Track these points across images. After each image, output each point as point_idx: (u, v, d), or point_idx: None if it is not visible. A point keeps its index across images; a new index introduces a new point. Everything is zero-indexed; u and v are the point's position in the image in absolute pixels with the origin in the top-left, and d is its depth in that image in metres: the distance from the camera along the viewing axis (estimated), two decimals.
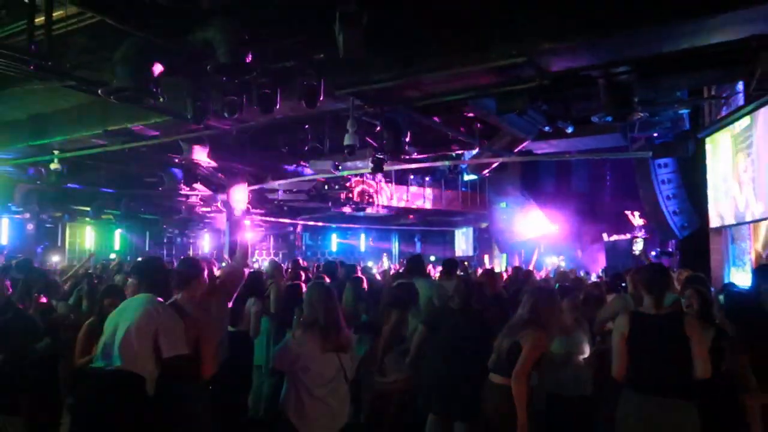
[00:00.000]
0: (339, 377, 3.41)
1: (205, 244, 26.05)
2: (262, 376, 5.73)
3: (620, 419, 3.57)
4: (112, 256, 17.82)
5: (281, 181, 13.60)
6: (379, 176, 21.14)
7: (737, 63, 7.26)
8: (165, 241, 25.67)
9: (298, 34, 5.48)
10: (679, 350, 3.41)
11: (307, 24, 5.38)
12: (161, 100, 5.92)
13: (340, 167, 8.95)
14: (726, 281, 8.78)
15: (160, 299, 3.30)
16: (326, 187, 16.93)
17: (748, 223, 9.22)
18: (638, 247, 14.03)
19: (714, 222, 10.05)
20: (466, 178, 21.95)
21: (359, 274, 6.53)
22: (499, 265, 19.33)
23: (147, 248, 23.41)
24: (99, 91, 5.85)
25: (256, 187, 13.34)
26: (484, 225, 23.91)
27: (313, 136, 9.08)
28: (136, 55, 5.47)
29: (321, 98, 5.82)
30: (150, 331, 3.12)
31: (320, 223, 24.85)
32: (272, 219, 20.93)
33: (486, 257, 20.42)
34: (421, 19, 5.56)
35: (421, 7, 5.10)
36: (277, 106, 5.88)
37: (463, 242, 27.03)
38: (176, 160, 10.47)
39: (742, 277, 9.02)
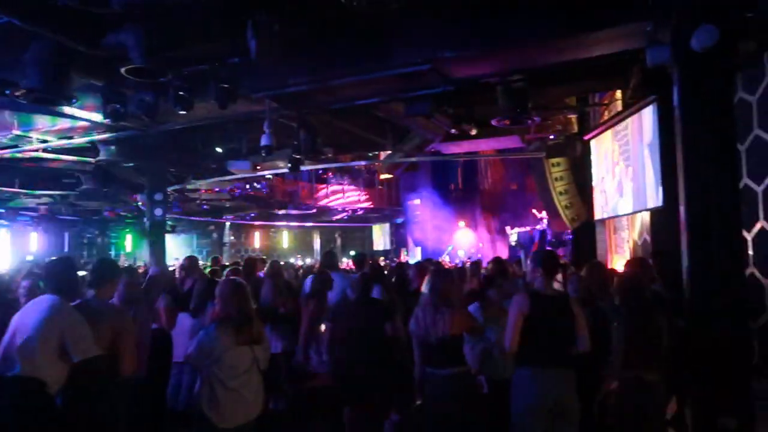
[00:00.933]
0: (252, 369, 3.38)
1: (127, 244, 24.86)
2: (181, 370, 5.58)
3: (520, 394, 3.64)
4: (29, 258, 16.68)
5: (202, 181, 13.21)
6: (301, 176, 21.02)
7: (615, 74, 7.80)
8: (85, 242, 24.32)
9: (213, 38, 5.37)
10: (568, 326, 3.65)
11: (222, 30, 5.27)
12: (74, 102, 5.63)
13: (258, 167, 8.81)
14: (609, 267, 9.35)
15: (67, 301, 3.15)
16: (248, 186, 16.61)
17: (623, 216, 9.91)
18: (512, 239, 14.67)
19: (598, 215, 10.71)
20: (382, 176, 22.21)
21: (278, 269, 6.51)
22: (414, 258, 19.67)
23: (66, 250, 22.08)
24: (8, 93, 5.49)
25: (177, 187, 12.90)
26: (399, 221, 24.29)
27: (232, 137, 8.90)
28: (47, 57, 5.16)
29: (236, 101, 5.71)
30: (54, 335, 2.97)
31: (244, 222, 24.38)
32: (195, 218, 20.26)
33: (402, 251, 20.78)
34: (330, 28, 5.59)
35: (330, 17, 5.11)
36: (193, 108, 5.73)
37: (380, 238, 27.32)
38: (92, 161, 9.95)
39: (621, 263, 9.66)
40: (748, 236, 6.70)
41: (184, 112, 5.94)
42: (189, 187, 14.07)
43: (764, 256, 6.48)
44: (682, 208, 4.21)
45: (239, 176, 12.16)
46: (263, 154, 7.03)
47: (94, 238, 24.58)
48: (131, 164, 10.05)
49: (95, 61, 5.39)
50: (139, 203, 13.58)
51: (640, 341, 3.83)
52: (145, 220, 11.93)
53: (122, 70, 5.05)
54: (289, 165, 8.04)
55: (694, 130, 4.14)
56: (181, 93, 5.50)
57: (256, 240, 28.10)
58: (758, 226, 6.57)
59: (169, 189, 12.35)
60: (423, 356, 3.96)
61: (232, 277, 3.93)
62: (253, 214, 21.88)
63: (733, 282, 4.02)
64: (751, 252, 6.71)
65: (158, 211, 11.64)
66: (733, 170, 4.18)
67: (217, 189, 16.04)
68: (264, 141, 6.85)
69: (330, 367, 4.75)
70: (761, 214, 6.52)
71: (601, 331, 3.98)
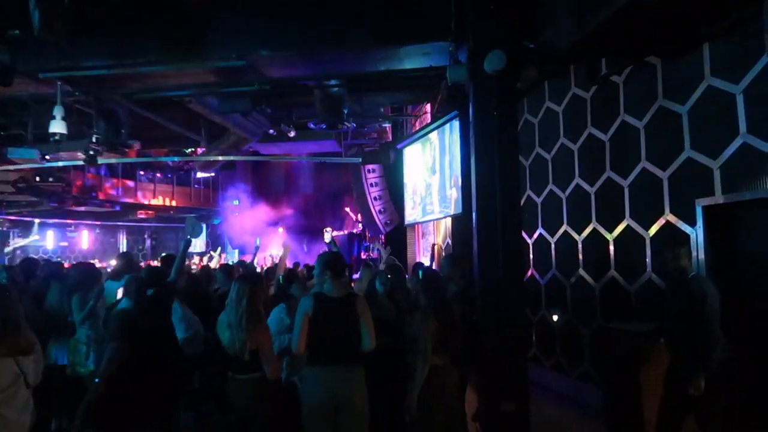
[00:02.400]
0: (18, 384, 2.92)
1: None
2: None
3: (307, 392, 3.69)
4: None
5: None
6: (104, 170, 19.09)
7: (425, 88, 8.33)
8: None
9: None
10: (352, 326, 3.75)
11: None
12: None
13: (47, 157, 7.77)
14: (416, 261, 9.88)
15: None
16: (38, 178, 14.61)
17: (429, 221, 10.62)
18: (327, 237, 15.13)
19: (407, 219, 11.35)
20: (199, 175, 21.14)
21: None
22: (232, 260, 19.00)
23: None
24: None
25: None
26: (216, 221, 23.30)
27: (14, 120, 7.74)
28: None
29: (17, 79, 4.96)
30: None
31: (33, 219, 21.39)
32: None
33: (218, 252, 19.94)
34: (138, 11, 5.15)
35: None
36: None
37: (196, 239, 25.93)
38: None
39: (427, 264, 10.33)
40: (530, 241, 7.60)
41: None
42: None
43: (541, 259, 7.41)
44: (474, 215, 4.60)
45: (23, 166, 10.62)
46: (53, 142, 6.21)
47: None
48: None
49: None
50: None
51: (440, 332, 4.12)
52: None
53: None
54: (85, 156, 7.22)
55: (484, 143, 4.55)
56: None
57: (49, 240, 24.88)
58: (537, 232, 7.49)
59: None
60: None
61: None
62: (43, 210, 19.28)
63: (514, 280, 4.50)
64: (531, 255, 7.62)
65: None
66: (517, 182, 4.68)
67: None
68: (53, 128, 6.06)
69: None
70: (540, 222, 7.44)
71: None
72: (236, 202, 21.15)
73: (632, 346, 4.73)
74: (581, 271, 6.60)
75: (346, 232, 17.63)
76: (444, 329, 4.14)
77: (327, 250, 7.41)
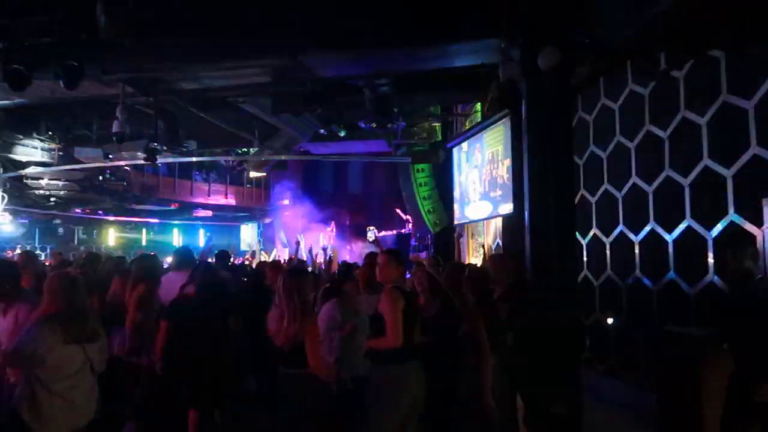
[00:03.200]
0: (84, 370, 3.07)
1: None
2: None
3: (395, 390, 3.67)
4: None
5: (43, 169, 11.93)
6: (162, 169, 19.80)
7: (475, 87, 8.25)
8: None
9: (57, 9, 4.85)
10: (417, 322, 3.81)
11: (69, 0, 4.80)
12: None
13: (110, 156, 8.13)
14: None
15: None
16: (101, 177, 15.28)
17: (479, 221, 10.51)
18: (370, 236, 15.16)
19: (457, 219, 11.27)
20: (252, 175, 21.61)
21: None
22: (283, 257, 19.36)
23: None
24: None
25: (13, 174, 11.54)
26: (268, 220, 23.78)
27: (81, 121, 8.13)
28: None
29: (80, 81, 5.20)
30: None
31: (96, 216, 22.41)
32: (36, 211, 18.23)
33: (274, 251, 20.35)
34: (194, 13, 5.31)
35: (192, 2, 4.85)
36: (30, 85, 5.12)
37: (248, 237, 26.58)
38: None
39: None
40: (583, 242, 7.42)
41: (20, 89, 5.30)
42: (29, 174, 12.67)
43: (596, 260, 7.21)
44: (526, 215, 4.53)
45: (89, 165, 11.13)
46: (115, 141, 6.49)
47: None
48: None
49: None
50: None
51: (488, 331, 4.10)
52: None
53: None
54: (145, 155, 7.50)
55: (537, 142, 4.47)
56: (14, 67, 4.89)
57: (111, 236, 26.01)
58: (591, 233, 7.30)
59: (5, 176, 11.03)
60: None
61: (62, 270, 3.56)
62: (105, 208, 20.15)
63: (567, 281, 4.40)
64: (585, 257, 7.43)
65: None
66: (571, 181, 4.58)
67: (63, 179, 14.55)
68: (116, 128, 6.33)
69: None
70: (594, 222, 7.25)
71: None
72: (286, 202, 21.51)
73: (692, 350, 4.54)
74: (638, 273, 6.39)
75: (395, 232, 17.66)
76: (491, 329, 4.11)
77: (372, 249, 7.43)
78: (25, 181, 13.77)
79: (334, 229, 19.94)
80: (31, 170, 11.89)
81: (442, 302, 4.59)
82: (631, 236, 6.52)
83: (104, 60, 5.71)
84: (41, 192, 15.86)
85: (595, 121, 7.32)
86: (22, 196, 16.03)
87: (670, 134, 5.88)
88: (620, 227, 6.73)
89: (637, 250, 6.42)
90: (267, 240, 24.19)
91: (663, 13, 4.00)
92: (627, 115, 6.67)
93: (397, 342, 3.60)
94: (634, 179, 6.46)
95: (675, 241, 5.80)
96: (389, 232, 17.61)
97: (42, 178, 14.44)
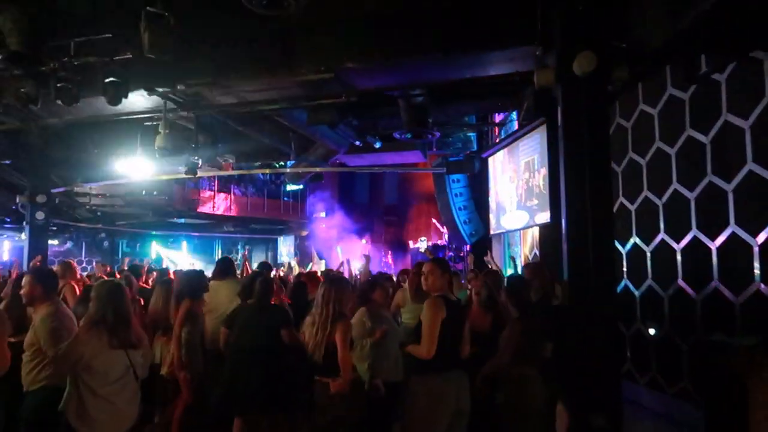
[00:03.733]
0: (128, 375, 3.17)
1: (3, 251, 22.69)
2: None
3: (434, 399, 3.64)
4: None
5: (93, 184, 12.36)
6: (202, 183, 20.27)
7: (510, 95, 8.22)
8: None
9: (103, 29, 5.07)
10: (464, 330, 3.85)
11: (113, 20, 5.00)
12: None
13: (152, 171, 8.39)
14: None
15: None
16: (144, 192, 15.73)
17: (516, 231, 10.40)
18: (422, 246, 15.24)
19: (493, 230, 11.18)
20: (289, 188, 21.92)
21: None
22: (319, 270, 19.49)
23: None
24: None
25: (61, 189, 11.98)
26: (304, 233, 24.01)
27: (125, 136, 8.42)
28: None
29: (125, 98, 5.41)
30: None
31: (138, 230, 23.06)
32: (83, 225, 18.87)
33: (310, 264, 20.50)
34: (230, 28, 5.47)
35: (229, 17, 5.00)
36: (78, 102, 5.35)
37: (285, 250, 26.87)
38: None
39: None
40: (623, 250, 7.26)
41: (70, 107, 5.54)
42: (77, 190, 13.14)
43: (636, 269, 7.04)
44: (563, 223, 4.47)
45: (133, 180, 11.50)
46: (157, 157, 6.70)
47: None
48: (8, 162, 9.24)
49: None
50: (19, 206, 12.43)
51: (527, 341, 4.06)
52: (25, 224, 10.97)
53: None
54: (186, 169, 7.72)
55: (573, 149, 4.42)
56: (65, 85, 5.12)
57: (153, 249, 26.68)
58: (631, 241, 7.14)
59: (54, 191, 11.46)
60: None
61: (108, 279, 3.69)
62: (148, 222, 20.73)
63: (606, 291, 4.31)
64: (625, 265, 7.27)
65: (40, 215, 10.76)
66: (609, 189, 4.50)
67: (108, 194, 15.05)
68: (159, 142, 6.54)
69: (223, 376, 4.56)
70: (634, 230, 7.10)
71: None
72: (323, 214, 21.68)
73: (739, 360, 4.39)
74: (680, 282, 6.21)
75: (431, 243, 17.59)
76: (530, 338, 4.07)
77: (420, 259, 7.44)
78: (73, 197, 14.28)
79: (370, 241, 20.01)
80: (78, 187, 12.34)
81: (494, 316, 4.58)
82: (673, 244, 6.35)
83: (147, 76, 5.94)
84: (88, 207, 16.45)
85: (633, 127, 7.19)
86: (69, 210, 16.64)
87: (712, 139, 5.73)
88: (661, 235, 6.57)
89: (679, 258, 6.25)
90: (303, 253, 24.41)
91: (702, 15, 3.93)
92: (666, 120, 6.53)
93: (430, 353, 3.59)
94: (675, 185, 6.31)
95: (719, 248, 5.62)
96: (425, 243, 17.55)
97: (88, 194, 14.98)
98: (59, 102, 5.26)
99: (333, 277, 4.32)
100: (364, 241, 20.20)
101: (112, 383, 3.08)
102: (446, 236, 15.78)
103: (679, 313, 6.22)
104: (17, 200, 10.97)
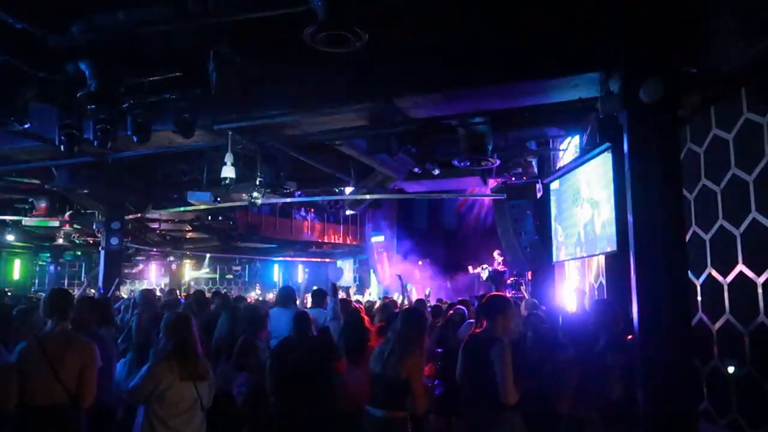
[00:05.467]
0: (195, 406, 3.25)
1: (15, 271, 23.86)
2: None
3: None
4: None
5: (162, 211, 12.96)
6: (265, 209, 20.84)
7: (573, 121, 8.06)
8: (37, 270, 23.52)
9: (175, 69, 5.34)
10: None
11: (184, 61, 5.27)
12: (28, 125, 5.49)
13: (218, 199, 8.72)
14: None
15: None
16: (209, 218, 16.35)
17: (579, 259, 10.07)
18: (484, 274, 15.01)
19: (555, 257, 10.87)
20: (348, 213, 22.18)
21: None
22: (377, 295, 19.54)
23: (18, 277, 21.42)
24: None
25: (134, 216, 12.61)
26: (363, 257, 24.19)
27: (193, 167, 8.80)
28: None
29: (194, 132, 5.67)
30: None
31: (202, 254, 23.90)
32: (154, 249, 19.76)
33: (367, 292, 20.61)
34: (295, 66, 5.64)
35: (287, 54, 5.16)
36: (150, 138, 5.65)
37: (345, 273, 27.12)
38: (46, 187, 9.66)
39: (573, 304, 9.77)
40: (697, 282, 6.88)
41: (144, 141, 5.85)
42: (148, 216, 13.79)
43: (712, 302, 6.65)
44: (631, 253, 4.30)
45: (198, 208, 11.97)
46: (224, 186, 6.95)
47: (47, 266, 23.70)
48: (86, 191, 9.82)
49: (51, 84, 5.29)
50: (96, 231, 13.17)
51: (580, 381, 3.89)
52: (100, 249, 11.58)
53: (79, 95, 4.97)
54: (251, 198, 7.97)
55: (642, 177, 4.27)
56: (139, 121, 5.42)
57: (216, 273, 27.57)
58: (706, 273, 6.76)
59: (129, 217, 12.09)
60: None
61: (177, 310, 3.81)
62: (212, 246, 21.47)
63: (679, 326, 4.11)
64: (700, 298, 6.88)
65: (114, 240, 11.34)
66: (680, 217, 4.31)
67: (176, 219, 15.74)
68: (225, 173, 6.79)
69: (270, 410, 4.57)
70: (708, 261, 6.72)
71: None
72: (381, 239, 21.79)
73: None
74: (763, 317, 5.81)
75: (490, 269, 17.31)
76: (585, 378, 3.89)
77: (484, 290, 7.34)
78: (144, 222, 15.00)
79: (429, 266, 19.89)
80: (149, 214, 12.97)
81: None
82: (753, 276, 5.96)
83: (215, 112, 6.20)
84: (158, 232, 17.24)
85: (706, 153, 6.86)
86: (141, 235, 17.47)
87: None
88: (740, 266, 6.19)
89: (760, 291, 5.86)
90: (362, 278, 24.56)
91: None
92: (743, 145, 6.19)
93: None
94: (754, 214, 5.95)
95: None
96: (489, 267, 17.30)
97: (158, 220, 15.72)
98: (134, 138, 5.57)
99: (414, 307, 4.30)
100: (420, 262, 20.11)
101: (181, 414, 3.17)
102: (504, 262, 15.53)
103: (762, 350, 5.80)
104: (93, 226, 11.63)
